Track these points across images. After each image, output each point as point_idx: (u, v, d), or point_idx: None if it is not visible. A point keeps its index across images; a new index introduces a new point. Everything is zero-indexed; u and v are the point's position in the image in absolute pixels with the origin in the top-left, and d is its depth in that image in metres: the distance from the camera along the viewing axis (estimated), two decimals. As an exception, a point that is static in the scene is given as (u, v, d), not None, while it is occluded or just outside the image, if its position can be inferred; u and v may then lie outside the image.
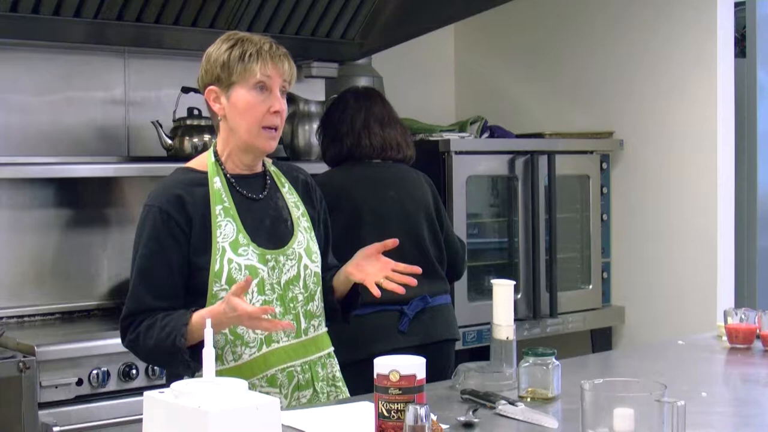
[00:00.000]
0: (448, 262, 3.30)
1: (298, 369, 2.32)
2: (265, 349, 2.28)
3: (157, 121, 3.65)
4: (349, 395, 2.43)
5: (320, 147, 3.38)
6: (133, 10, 3.43)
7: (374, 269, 2.35)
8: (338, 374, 2.44)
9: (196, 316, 2.18)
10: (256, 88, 2.29)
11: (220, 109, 2.32)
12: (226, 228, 2.27)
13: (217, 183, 2.31)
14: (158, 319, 2.21)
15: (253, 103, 2.28)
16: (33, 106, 3.58)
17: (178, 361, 2.18)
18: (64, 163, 3.50)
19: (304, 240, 2.37)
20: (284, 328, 2.16)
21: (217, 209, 2.28)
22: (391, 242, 2.35)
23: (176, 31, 3.59)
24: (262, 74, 2.27)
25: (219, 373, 2.15)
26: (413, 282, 2.34)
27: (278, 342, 2.30)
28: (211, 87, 2.32)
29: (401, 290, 2.32)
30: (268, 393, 2.23)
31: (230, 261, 2.24)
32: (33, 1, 3.23)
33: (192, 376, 2.22)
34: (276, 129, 2.32)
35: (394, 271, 2.34)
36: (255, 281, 2.26)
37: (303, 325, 2.35)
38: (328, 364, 2.41)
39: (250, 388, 2.19)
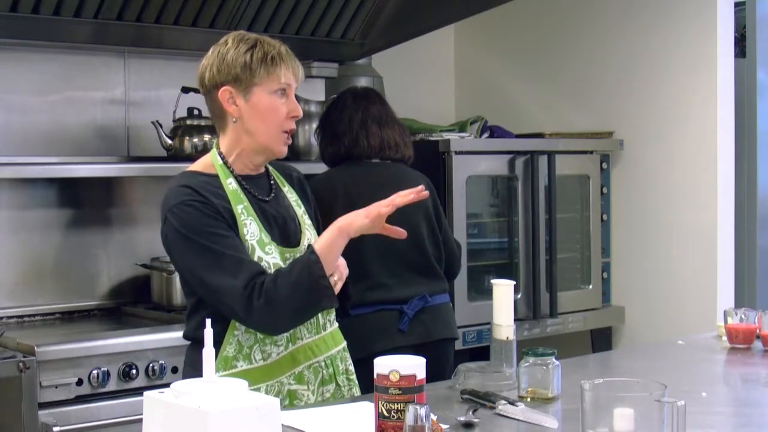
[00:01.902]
0: (445, 263, 3.30)
1: (323, 364, 2.36)
2: (291, 347, 2.29)
3: (157, 121, 3.65)
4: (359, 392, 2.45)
5: (319, 147, 3.38)
6: (133, 10, 3.43)
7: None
8: (351, 368, 2.47)
9: (317, 246, 2.22)
10: (278, 93, 2.28)
11: (236, 111, 2.28)
12: (251, 226, 2.26)
13: (232, 184, 2.29)
14: (279, 271, 2.19)
15: (275, 107, 2.28)
16: (33, 106, 3.58)
17: (320, 293, 2.18)
18: (65, 163, 3.49)
19: (312, 237, 2.39)
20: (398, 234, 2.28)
21: (238, 208, 2.26)
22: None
23: (176, 31, 3.59)
24: (285, 78, 2.28)
25: (247, 373, 2.18)
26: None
27: (302, 339, 2.32)
28: (226, 87, 2.27)
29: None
30: (296, 391, 2.28)
31: (260, 259, 2.24)
32: (33, 1, 3.23)
33: (336, 305, 2.27)
34: (291, 133, 2.34)
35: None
36: None
37: (321, 321, 2.37)
38: (345, 357, 2.45)
39: (278, 387, 2.20)
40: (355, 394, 2.43)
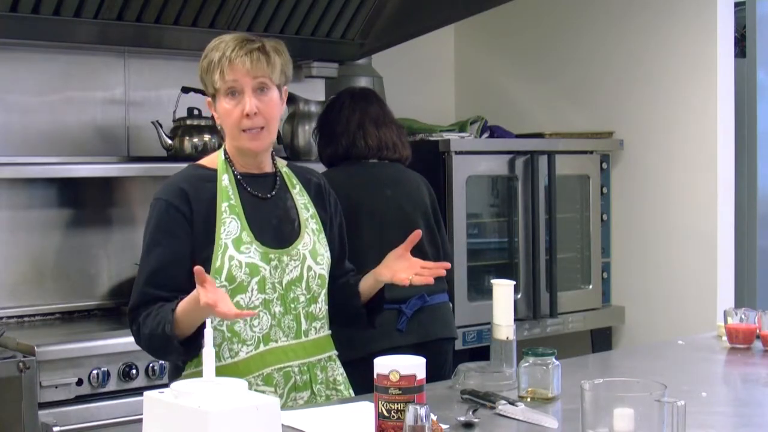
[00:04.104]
0: None
1: (296, 370, 2.32)
2: (262, 348, 2.28)
3: (157, 121, 3.65)
4: (352, 397, 2.43)
5: (317, 147, 3.38)
6: (133, 10, 3.43)
7: (402, 267, 2.37)
8: (340, 377, 2.43)
9: (181, 303, 2.18)
10: (229, 94, 2.30)
11: (217, 118, 2.37)
12: (230, 225, 2.28)
13: (225, 180, 2.33)
14: (154, 309, 2.23)
15: (227, 109, 2.31)
16: (33, 106, 3.58)
17: (171, 348, 2.20)
18: (65, 163, 3.50)
19: (311, 241, 2.38)
20: (246, 315, 2.16)
21: (222, 206, 2.29)
22: (415, 235, 2.39)
23: (176, 31, 3.59)
24: (223, 81, 2.29)
25: (215, 370, 2.17)
26: (443, 273, 2.38)
27: (276, 341, 2.30)
28: (208, 99, 2.38)
29: (430, 281, 2.35)
30: (263, 392, 2.24)
31: (231, 258, 2.25)
32: (33, 1, 3.24)
33: (182, 364, 2.27)
34: (260, 129, 2.31)
35: (422, 267, 2.37)
36: (255, 279, 2.27)
37: (303, 327, 2.35)
38: (328, 367, 2.40)
39: None
40: None
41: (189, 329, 2.17)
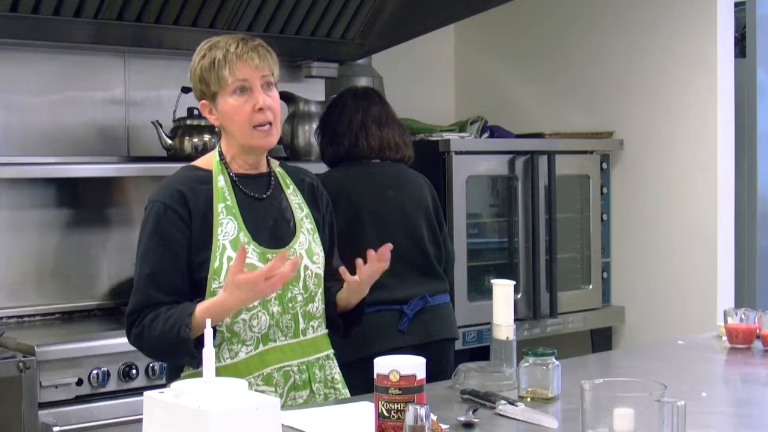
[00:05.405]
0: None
1: (295, 369, 2.33)
2: (261, 348, 2.29)
3: (157, 121, 3.65)
4: (349, 397, 2.43)
5: (319, 147, 3.38)
6: (133, 10, 3.43)
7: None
8: (337, 376, 2.44)
9: (200, 306, 2.19)
10: (237, 92, 2.30)
11: (215, 120, 2.36)
12: (228, 226, 2.28)
13: (221, 181, 2.33)
14: (162, 312, 2.22)
15: (237, 106, 2.30)
16: (33, 106, 3.58)
17: (183, 352, 2.19)
18: (65, 163, 3.50)
19: (306, 241, 2.38)
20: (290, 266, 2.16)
21: (219, 207, 2.30)
22: (386, 248, 2.39)
23: (176, 31, 3.59)
24: (234, 78, 2.29)
25: (215, 371, 2.17)
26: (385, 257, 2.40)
27: (275, 341, 2.31)
28: (202, 101, 2.36)
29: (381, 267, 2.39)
30: (263, 391, 2.24)
31: (230, 259, 2.25)
32: (33, 1, 3.24)
33: (197, 367, 2.23)
34: (270, 124, 2.32)
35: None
36: None
37: (301, 326, 2.35)
38: (326, 366, 2.41)
39: None
40: None
41: (201, 331, 2.16)
